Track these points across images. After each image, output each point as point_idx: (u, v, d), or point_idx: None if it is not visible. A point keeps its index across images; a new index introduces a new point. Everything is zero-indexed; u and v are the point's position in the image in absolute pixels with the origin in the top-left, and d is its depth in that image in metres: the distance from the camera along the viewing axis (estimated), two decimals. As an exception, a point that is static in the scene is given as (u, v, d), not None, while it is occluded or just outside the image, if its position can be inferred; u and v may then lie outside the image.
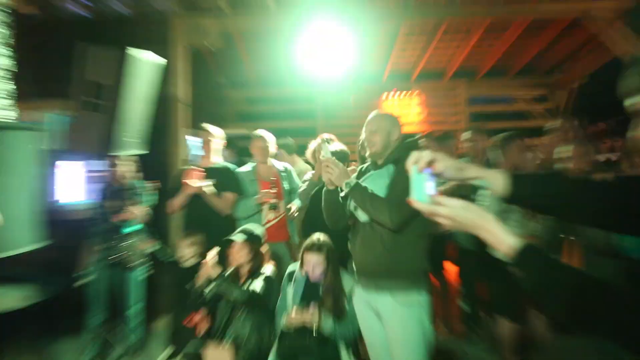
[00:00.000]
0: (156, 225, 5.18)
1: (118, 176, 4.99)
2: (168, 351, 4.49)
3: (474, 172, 2.09)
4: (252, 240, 4.06)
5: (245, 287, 3.86)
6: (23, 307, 4.59)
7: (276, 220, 4.86)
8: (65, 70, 3.90)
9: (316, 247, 3.66)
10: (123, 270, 4.90)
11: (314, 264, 3.66)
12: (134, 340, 4.93)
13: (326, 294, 3.65)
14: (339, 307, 3.64)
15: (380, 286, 3.20)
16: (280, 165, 5.08)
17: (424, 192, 1.86)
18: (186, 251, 4.49)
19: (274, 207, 4.84)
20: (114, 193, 4.97)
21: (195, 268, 4.24)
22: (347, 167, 4.33)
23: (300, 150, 5.56)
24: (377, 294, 3.21)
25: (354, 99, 8.47)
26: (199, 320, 4.01)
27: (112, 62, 3.75)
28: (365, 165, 3.43)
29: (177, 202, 4.76)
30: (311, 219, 4.42)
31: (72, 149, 3.81)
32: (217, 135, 4.94)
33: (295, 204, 4.73)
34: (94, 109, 3.74)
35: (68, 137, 3.85)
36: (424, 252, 3.22)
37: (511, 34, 7.61)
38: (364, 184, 3.16)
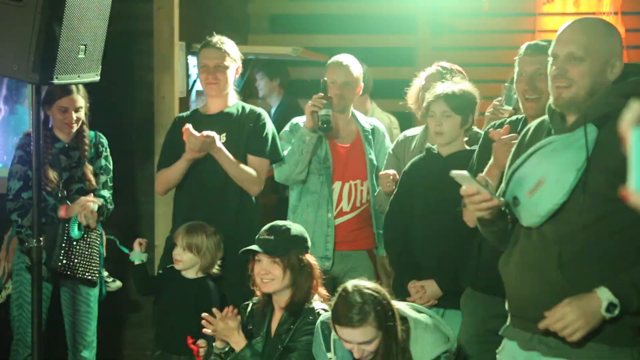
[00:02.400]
0: (127, 214, 4.17)
1: (65, 124, 3.65)
2: None
3: None
4: (289, 249, 3.06)
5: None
6: None
7: (356, 212, 3.83)
8: None
9: (353, 321, 2.68)
10: (76, 285, 3.74)
11: (356, 345, 2.72)
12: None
13: None
14: None
15: (551, 346, 2.31)
16: (365, 121, 3.98)
17: None
18: (185, 255, 3.41)
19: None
20: (56, 155, 3.68)
21: (200, 286, 3.43)
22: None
23: (382, 89, 4.37)
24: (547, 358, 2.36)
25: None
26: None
27: None
28: (534, 125, 2.48)
29: (174, 173, 3.60)
30: (397, 219, 3.39)
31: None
32: (233, 55, 3.63)
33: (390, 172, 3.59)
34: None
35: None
36: None
37: None
38: (530, 163, 2.28)
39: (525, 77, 2.79)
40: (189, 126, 3.39)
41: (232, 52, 3.58)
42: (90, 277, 3.65)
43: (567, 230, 2.25)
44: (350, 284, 2.72)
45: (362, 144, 3.88)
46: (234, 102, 3.66)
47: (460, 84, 3.24)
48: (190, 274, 3.41)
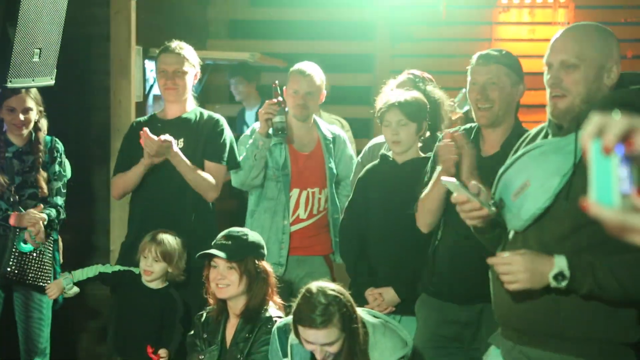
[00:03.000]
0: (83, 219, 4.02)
1: (13, 124, 3.53)
2: None
3: None
4: (245, 255, 2.98)
5: None
6: None
7: (313, 219, 3.73)
8: None
9: (317, 322, 2.60)
10: (28, 292, 3.61)
11: (319, 347, 2.64)
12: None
13: None
14: None
15: (532, 357, 2.22)
16: (327, 129, 3.87)
17: (610, 189, 1.18)
18: (157, 266, 3.28)
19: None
20: (10, 159, 3.54)
21: (165, 297, 3.31)
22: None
23: (339, 96, 4.24)
24: None
25: (445, 7, 6.07)
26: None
27: None
28: (534, 132, 2.39)
29: (131, 178, 3.50)
30: (351, 225, 3.33)
31: None
32: (192, 60, 3.54)
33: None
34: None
35: None
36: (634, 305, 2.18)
37: None
38: (517, 166, 2.22)
39: (477, 87, 2.76)
40: (146, 129, 3.31)
41: (191, 58, 3.50)
42: (42, 284, 3.52)
43: (549, 238, 2.16)
44: (314, 285, 2.64)
45: (322, 152, 3.80)
46: (192, 107, 3.57)
47: (411, 92, 3.20)
48: (155, 283, 3.29)
